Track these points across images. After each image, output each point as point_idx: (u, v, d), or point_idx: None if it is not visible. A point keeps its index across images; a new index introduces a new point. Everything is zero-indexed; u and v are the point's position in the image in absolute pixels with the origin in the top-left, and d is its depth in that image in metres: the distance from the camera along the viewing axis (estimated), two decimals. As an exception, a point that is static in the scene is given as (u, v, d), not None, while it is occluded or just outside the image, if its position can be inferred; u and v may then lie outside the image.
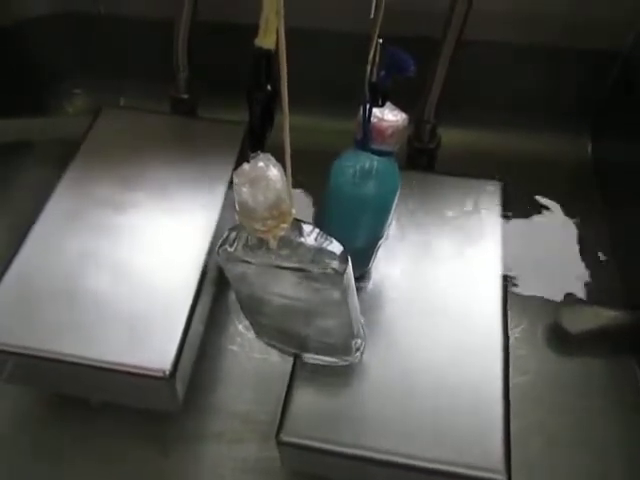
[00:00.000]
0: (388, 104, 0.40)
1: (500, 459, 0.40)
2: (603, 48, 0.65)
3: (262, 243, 0.34)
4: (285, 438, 0.42)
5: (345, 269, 0.35)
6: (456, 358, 0.45)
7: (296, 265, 0.35)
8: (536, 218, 0.66)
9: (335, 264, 0.34)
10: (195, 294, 0.48)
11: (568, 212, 0.66)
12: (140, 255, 0.50)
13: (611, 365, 0.56)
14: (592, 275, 0.61)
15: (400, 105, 0.41)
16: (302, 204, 0.61)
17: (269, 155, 0.32)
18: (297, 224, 0.34)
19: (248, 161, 0.32)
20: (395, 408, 0.43)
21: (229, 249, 0.35)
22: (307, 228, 0.35)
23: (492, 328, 0.46)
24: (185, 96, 0.65)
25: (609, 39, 0.64)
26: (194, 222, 0.52)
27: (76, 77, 0.78)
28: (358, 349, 0.43)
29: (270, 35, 0.33)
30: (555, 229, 0.65)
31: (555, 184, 0.68)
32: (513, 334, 0.56)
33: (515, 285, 0.60)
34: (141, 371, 0.44)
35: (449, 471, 0.40)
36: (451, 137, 0.63)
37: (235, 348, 0.57)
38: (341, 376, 0.44)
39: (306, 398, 0.43)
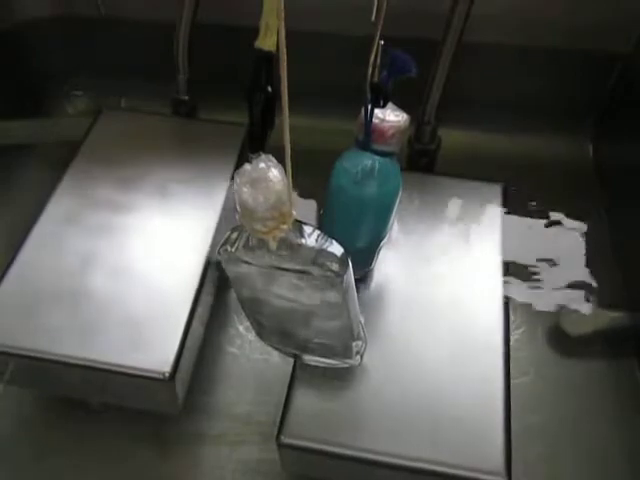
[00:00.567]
0: (390, 105, 0.40)
1: (501, 461, 0.40)
2: (604, 50, 0.65)
3: (262, 244, 0.34)
4: (285, 440, 0.42)
5: (345, 271, 0.35)
6: (457, 360, 0.45)
7: (296, 267, 0.35)
8: (537, 219, 0.66)
9: (335, 266, 0.34)
10: (195, 295, 0.48)
11: (569, 213, 0.66)
12: (140, 256, 0.50)
13: (611, 367, 0.56)
14: (593, 277, 0.61)
15: (400, 106, 0.41)
16: (302, 205, 0.61)
17: (270, 156, 0.32)
18: (298, 225, 0.34)
19: (249, 162, 0.32)
20: (395, 410, 0.42)
21: (230, 249, 0.35)
22: (308, 229, 0.35)
23: (493, 330, 0.46)
24: (185, 97, 0.65)
25: (610, 41, 0.64)
26: (194, 223, 0.52)
27: (77, 79, 0.78)
28: (358, 352, 0.43)
29: (270, 37, 0.34)
30: (555, 230, 0.65)
31: (556, 185, 0.68)
32: (514, 336, 0.56)
33: (516, 286, 0.60)
34: (141, 373, 0.44)
35: (450, 473, 0.40)
36: (451, 138, 0.63)
37: (235, 350, 0.57)
38: (341, 378, 0.44)
39: (306, 400, 0.43)
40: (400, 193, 0.44)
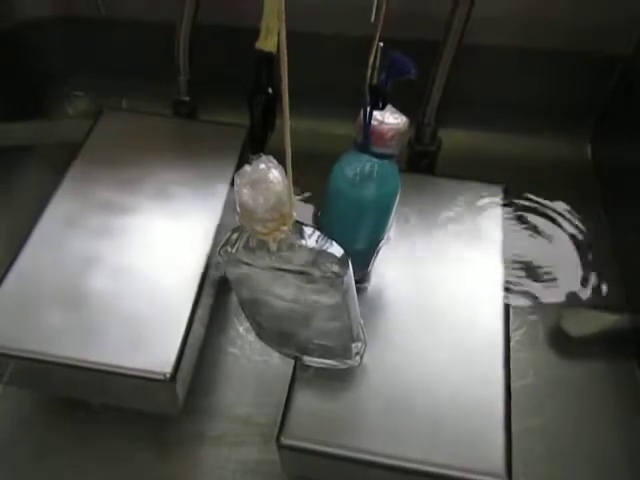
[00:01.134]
0: (389, 107, 0.40)
1: (501, 463, 0.40)
2: (604, 51, 0.65)
3: (263, 245, 0.34)
4: (285, 441, 0.42)
5: (345, 272, 0.35)
6: (457, 361, 0.45)
7: (296, 268, 0.35)
8: (537, 220, 0.66)
9: (335, 267, 0.34)
10: (196, 297, 0.48)
11: (569, 214, 0.66)
12: (141, 258, 0.50)
13: (612, 368, 0.56)
14: (593, 277, 0.61)
15: (400, 108, 0.41)
16: (303, 207, 0.61)
17: (271, 157, 0.32)
18: (298, 226, 0.34)
19: (250, 163, 0.32)
20: (395, 411, 0.42)
21: (230, 250, 0.35)
22: (308, 231, 0.35)
23: (493, 331, 0.46)
24: (186, 98, 0.65)
25: (610, 42, 0.64)
26: (195, 224, 0.52)
27: (77, 79, 0.78)
28: (358, 352, 0.43)
29: (271, 38, 0.34)
30: (556, 232, 0.65)
31: (556, 186, 0.68)
32: (514, 337, 0.56)
33: (516, 288, 0.60)
34: (142, 374, 0.44)
35: (450, 475, 0.40)
36: (452, 140, 0.63)
37: (236, 351, 0.57)
38: (341, 379, 0.44)
39: (306, 401, 0.43)
40: (399, 195, 0.44)
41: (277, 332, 0.42)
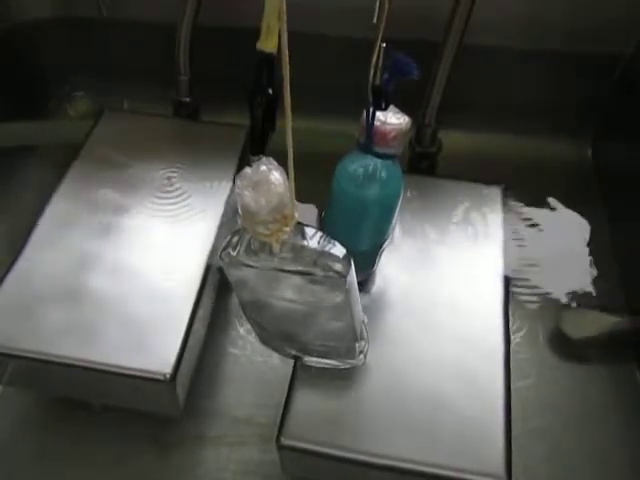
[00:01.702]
0: (391, 107, 0.40)
1: (501, 463, 0.40)
2: (604, 51, 0.65)
3: (265, 247, 0.34)
4: (285, 442, 0.42)
5: (348, 271, 0.35)
6: (457, 362, 0.45)
7: (299, 268, 0.35)
8: (537, 221, 0.65)
9: (338, 267, 0.34)
10: (196, 297, 0.48)
11: (569, 215, 0.66)
12: (141, 258, 0.50)
13: (613, 370, 0.56)
14: (594, 280, 0.61)
15: (401, 108, 0.41)
16: (305, 207, 0.61)
17: (271, 159, 0.32)
18: (299, 227, 0.34)
19: (250, 165, 0.32)
20: (396, 412, 0.42)
21: (232, 253, 0.35)
22: (309, 231, 0.35)
23: (494, 332, 0.46)
24: (187, 99, 0.65)
25: (610, 43, 0.64)
26: (195, 225, 0.52)
27: (78, 80, 0.79)
28: (361, 352, 0.43)
29: (272, 39, 0.34)
30: (556, 233, 0.65)
31: (556, 187, 0.68)
32: (514, 338, 0.56)
33: (517, 289, 0.60)
34: (142, 374, 0.44)
35: (450, 476, 0.40)
36: (452, 141, 0.63)
37: (236, 351, 0.57)
38: (342, 380, 0.44)
39: (307, 401, 0.43)
40: (402, 195, 0.44)
41: (279, 333, 0.42)
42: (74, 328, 0.46)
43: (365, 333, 0.43)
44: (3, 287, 0.48)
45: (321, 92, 0.65)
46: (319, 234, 0.35)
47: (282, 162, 0.32)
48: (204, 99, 0.66)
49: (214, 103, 0.64)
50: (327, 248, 0.35)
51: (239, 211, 0.32)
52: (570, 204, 0.66)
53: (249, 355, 0.56)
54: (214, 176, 0.56)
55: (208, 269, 0.49)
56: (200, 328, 0.50)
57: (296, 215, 0.33)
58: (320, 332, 0.40)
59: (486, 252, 0.51)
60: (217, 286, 0.53)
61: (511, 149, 0.72)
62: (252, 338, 0.56)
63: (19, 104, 0.75)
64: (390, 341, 0.46)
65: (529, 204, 0.66)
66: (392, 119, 0.40)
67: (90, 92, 0.80)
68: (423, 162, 0.62)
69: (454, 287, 0.49)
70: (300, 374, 0.44)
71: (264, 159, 0.32)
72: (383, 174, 0.42)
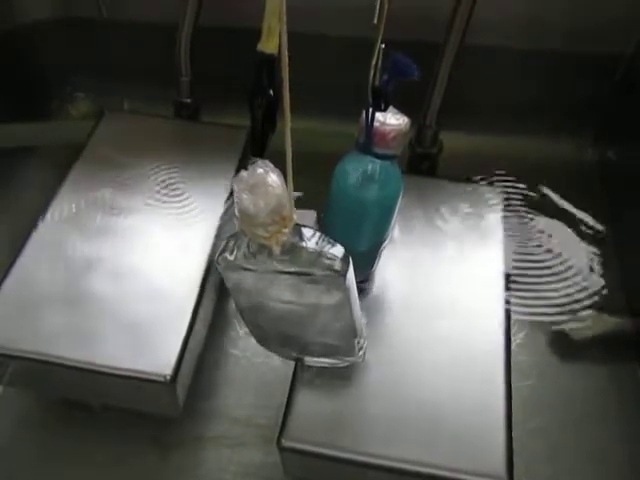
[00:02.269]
0: (390, 108, 0.40)
1: (502, 464, 0.40)
2: (605, 51, 0.65)
3: (263, 249, 0.34)
4: (286, 443, 0.41)
5: (347, 270, 0.35)
6: (458, 363, 0.45)
7: (298, 269, 0.35)
8: (538, 222, 0.65)
9: (337, 265, 0.34)
10: (197, 298, 0.48)
11: (571, 216, 0.66)
12: (142, 259, 0.50)
13: (613, 371, 0.55)
14: (594, 280, 0.61)
15: (401, 109, 0.41)
16: (303, 208, 0.61)
17: (267, 161, 0.32)
18: (297, 228, 0.34)
19: (246, 168, 0.32)
20: (397, 413, 0.42)
21: (229, 257, 0.35)
22: (307, 232, 0.35)
23: (494, 333, 0.46)
24: (188, 100, 0.65)
25: (611, 42, 0.64)
26: (196, 226, 0.52)
27: (79, 81, 0.79)
28: (361, 348, 0.43)
29: (272, 40, 0.34)
30: (557, 233, 0.65)
31: (557, 188, 0.68)
32: (515, 339, 0.56)
33: (517, 290, 0.60)
34: (142, 376, 0.44)
35: (451, 477, 0.40)
36: (453, 142, 0.63)
37: (236, 352, 0.57)
38: (343, 381, 0.44)
39: (308, 403, 0.43)
40: (401, 196, 0.44)
41: (279, 335, 0.42)
42: (74, 329, 0.46)
43: (364, 330, 0.43)
44: (3, 288, 0.48)
45: (321, 93, 0.65)
46: (317, 234, 0.35)
47: (282, 162, 0.32)
48: (205, 100, 0.66)
49: (215, 104, 0.64)
50: (325, 248, 0.35)
51: (237, 214, 0.32)
52: (571, 204, 0.66)
53: (249, 356, 0.56)
54: (214, 177, 0.56)
55: (208, 270, 0.49)
56: (200, 329, 0.50)
57: (295, 216, 0.33)
58: (320, 332, 0.40)
59: (486, 253, 0.51)
60: (217, 287, 0.53)
61: (511, 149, 0.72)
62: (252, 339, 0.56)
63: (20, 105, 0.75)
64: (390, 342, 0.46)
65: (530, 204, 0.66)
66: (391, 120, 0.40)
67: (91, 93, 0.80)
68: (424, 163, 0.62)
69: (454, 288, 0.49)
70: (301, 375, 0.44)
71: (259, 162, 0.32)
72: (382, 175, 0.42)
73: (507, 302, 0.48)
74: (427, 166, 0.62)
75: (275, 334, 0.42)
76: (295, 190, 0.33)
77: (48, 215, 0.53)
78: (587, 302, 0.59)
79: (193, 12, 0.59)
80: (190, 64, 0.63)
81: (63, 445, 0.52)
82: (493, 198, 0.55)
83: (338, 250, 0.35)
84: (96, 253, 0.50)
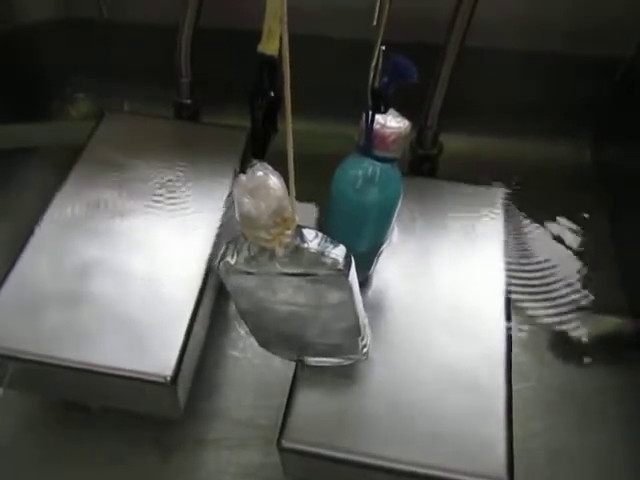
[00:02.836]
0: (390, 110, 0.40)
1: (502, 466, 0.40)
2: (605, 53, 0.65)
3: (264, 252, 0.34)
4: (286, 444, 0.41)
5: (349, 268, 0.35)
6: (458, 364, 0.45)
7: (301, 270, 0.35)
8: (538, 223, 0.65)
9: (340, 264, 0.35)
10: (197, 299, 0.48)
11: (570, 217, 0.66)
12: (142, 260, 0.50)
13: (614, 372, 0.55)
14: (595, 282, 0.61)
15: (401, 111, 0.41)
16: (305, 210, 0.61)
17: (265, 164, 0.32)
18: (298, 230, 0.34)
19: (245, 172, 0.32)
20: (397, 414, 0.42)
21: (230, 262, 0.35)
22: (308, 232, 0.35)
23: (494, 333, 0.46)
24: (188, 101, 0.65)
25: (611, 44, 0.64)
26: (196, 227, 0.52)
27: (80, 82, 0.79)
28: (364, 346, 0.43)
29: (273, 41, 0.33)
30: (557, 235, 0.65)
31: (557, 189, 0.68)
32: (516, 340, 0.56)
33: (518, 291, 0.60)
34: (142, 377, 0.44)
35: (451, 478, 0.40)
36: (453, 143, 0.63)
37: (237, 353, 0.57)
38: (343, 382, 0.44)
39: (308, 404, 0.43)
40: (401, 198, 0.44)
41: (281, 337, 0.42)
42: (74, 330, 0.46)
43: (367, 328, 0.43)
44: (4, 289, 0.48)
45: (321, 94, 0.65)
46: (318, 235, 0.35)
47: (282, 164, 0.32)
48: (205, 101, 0.66)
49: (215, 105, 0.65)
50: (327, 248, 0.35)
51: (237, 218, 0.32)
52: (571, 206, 0.66)
53: (250, 357, 0.56)
54: (215, 178, 0.56)
55: (208, 271, 0.49)
56: (200, 330, 0.50)
57: (297, 217, 0.33)
58: (323, 331, 0.40)
59: (487, 254, 0.51)
60: (217, 288, 0.53)
61: (512, 151, 0.72)
62: (253, 340, 0.56)
63: (20, 105, 0.75)
64: (390, 343, 0.46)
65: (530, 205, 0.66)
66: (392, 122, 0.40)
67: (91, 93, 0.80)
68: (424, 164, 0.62)
69: (455, 289, 0.49)
70: (301, 376, 0.44)
71: (258, 165, 0.32)
72: (382, 177, 0.42)
73: (508, 303, 0.48)
74: (427, 167, 0.62)
75: (278, 336, 0.42)
76: (296, 192, 0.33)
77: (48, 216, 0.53)
78: (586, 304, 0.59)
79: (193, 13, 0.59)
80: (190, 65, 0.63)
81: (63, 446, 0.52)
82: (493, 199, 0.55)
83: (340, 249, 0.35)
84: (96, 254, 0.50)
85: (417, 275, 0.50)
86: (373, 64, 0.37)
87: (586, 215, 0.66)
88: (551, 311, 0.59)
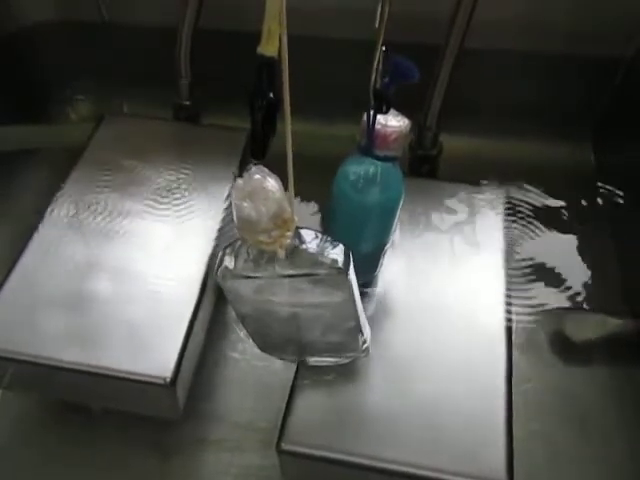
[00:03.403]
0: (390, 110, 0.40)
1: (502, 467, 0.40)
2: (605, 54, 0.65)
3: (263, 255, 0.34)
4: (285, 446, 0.41)
5: (349, 266, 0.35)
6: (459, 366, 0.45)
7: (302, 271, 0.35)
8: (538, 225, 0.65)
9: (339, 263, 0.35)
10: (196, 301, 0.48)
11: (570, 219, 0.66)
12: (141, 262, 0.50)
13: (614, 373, 0.55)
14: (596, 282, 0.61)
15: (401, 111, 0.41)
16: (305, 211, 0.61)
17: (262, 166, 0.32)
18: (296, 231, 0.34)
19: (241, 176, 0.32)
20: (397, 416, 0.42)
21: (230, 267, 0.35)
22: (307, 233, 0.35)
23: (495, 336, 0.46)
24: (187, 103, 0.65)
25: (611, 45, 0.64)
26: (196, 229, 0.52)
27: (80, 84, 0.79)
28: (364, 342, 0.43)
29: (272, 43, 0.33)
30: (557, 236, 0.65)
31: (557, 190, 0.68)
32: (516, 341, 0.56)
33: (518, 291, 0.60)
34: (142, 378, 0.44)
35: (451, 480, 0.40)
36: (453, 144, 0.63)
37: (236, 355, 0.57)
38: (343, 385, 0.44)
39: (307, 406, 0.43)
40: (403, 198, 0.44)
41: (282, 339, 0.42)
42: (74, 332, 0.46)
43: (366, 324, 0.43)
44: (4, 291, 0.48)
45: (321, 95, 0.65)
46: (317, 235, 0.35)
47: (282, 165, 0.32)
48: (204, 102, 0.66)
49: (214, 106, 0.64)
50: (326, 247, 0.35)
51: (235, 222, 0.32)
52: (571, 207, 0.66)
53: (249, 359, 0.56)
54: (215, 179, 0.56)
55: (208, 272, 0.49)
56: (200, 332, 0.50)
57: (296, 218, 0.33)
58: (325, 330, 0.40)
59: (487, 255, 0.51)
60: (217, 290, 0.52)
61: (512, 152, 0.72)
62: (252, 342, 0.56)
63: (20, 107, 0.75)
64: (391, 345, 0.46)
65: (530, 206, 0.66)
66: (392, 122, 0.40)
67: (91, 95, 0.80)
68: (424, 165, 0.62)
69: (455, 290, 0.49)
70: (301, 379, 0.44)
71: (254, 168, 0.32)
72: (384, 177, 0.42)
73: (508, 304, 0.48)
74: (427, 168, 0.62)
75: (278, 338, 0.42)
76: (296, 193, 0.33)
77: (48, 218, 0.53)
78: (586, 304, 0.59)
79: (193, 15, 0.59)
80: (190, 67, 0.63)
81: (63, 447, 0.52)
82: (494, 200, 0.55)
83: (339, 249, 0.35)
84: (96, 256, 0.50)
85: (417, 276, 0.50)
86: (374, 65, 0.37)
87: (586, 214, 0.66)
88: (552, 312, 0.59)
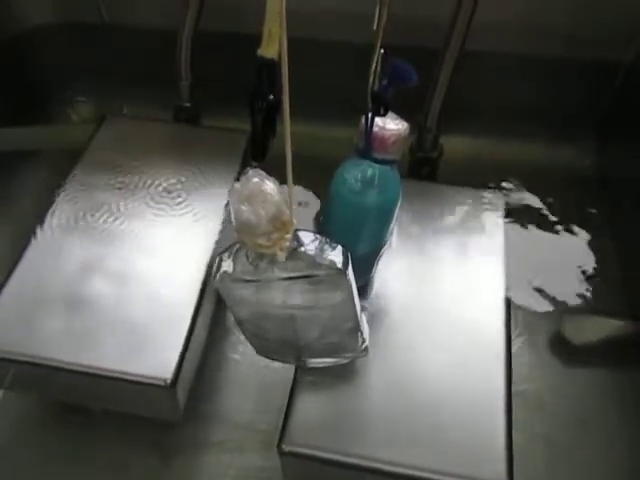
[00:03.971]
0: (389, 113, 0.40)
1: (502, 469, 0.40)
2: (605, 57, 0.65)
3: (262, 258, 0.34)
4: (286, 448, 0.41)
5: (348, 266, 0.35)
6: (458, 368, 0.45)
7: (300, 273, 0.35)
8: (539, 227, 0.65)
9: (338, 264, 0.35)
10: (197, 302, 0.48)
11: (571, 221, 0.66)
12: (142, 263, 0.50)
13: (614, 375, 0.55)
14: (596, 284, 0.61)
15: (401, 114, 0.41)
16: (302, 212, 0.61)
17: (259, 170, 0.32)
18: (294, 233, 0.34)
19: (238, 179, 0.32)
20: (398, 418, 0.42)
21: (229, 271, 0.35)
22: (305, 235, 0.35)
23: (494, 338, 0.46)
24: (188, 104, 0.65)
25: (611, 48, 0.64)
26: (196, 230, 0.52)
27: (80, 85, 0.79)
28: (364, 341, 0.43)
29: (272, 45, 0.34)
30: (558, 238, 0.65)
31: (558, 193, 0.68)
32: (515, 343, 0.56)
33: (518, 293, 0.60)
34: (142, 380, 0.44)
35: (451, 481, 0.40)
36: (453, 146, 0.63)
37: (237, 356, 0.57)
38: (343, 385, 0.44)
39: (308, 407, 0.43)
40: (400, 201, 0.44)
41: (281, 341, 0.42)
42: (75, 333, 0.46)
43: (365, 324, 0.43)
44: (4, 292, 0.48)
45: (320, 97, 0.65)
46: (315, 236, 0.35)
47: (281, 167, 0.32)
48: (205, 104, 0.66)
49: (215, 108, 0.65)
50: (325, 248, 0.35)
51: (235, 227, 0.32)
52: (572, 210, 0.66)
53: (250, 360, 0.56)
54: (215, 181, 0.56)
55: (208, 274, 0.49)
56: (201, 333, 0.50)
57: (295, 221, 0.33)
58: (324, 331, 0.40)
59: (487, 257, 0.51)
60: (218, 291, 0.52)
61: (512, 155, 0.72)
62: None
63: (21, 109, 0.75)
64: (390, 347, 0.46)
65: (531, 209, 0.66)
66: (391, 125, 0.40)
67: (91, 97, 0.80)
68: (424, 167, 0.62)
69: (454, 292, 0.49)
70: (301, 380, 0.44)
71: (252, 171, 0.32)
72: (381, 180, 0.42)
73: (508, 305, 0.48)
74: (427, 171, 0.62)
75: (277, 341, 0.42)
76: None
77: (48, 219, 0.53)
78: (586, 305, 0.59)
79: (193, 17, 0.59)
80: (190, 68, 0.63)
81: (63, 448, 0.52)
82: (493, 203, 0.55)
83: (337, 249, 0.35)
84: (96, 257, 0.50)
85: (417, 278, 0.50)
86: (373, 67, 0.37)
87: (586, 217, 0.66)
88: (551, 314, 0.59)
